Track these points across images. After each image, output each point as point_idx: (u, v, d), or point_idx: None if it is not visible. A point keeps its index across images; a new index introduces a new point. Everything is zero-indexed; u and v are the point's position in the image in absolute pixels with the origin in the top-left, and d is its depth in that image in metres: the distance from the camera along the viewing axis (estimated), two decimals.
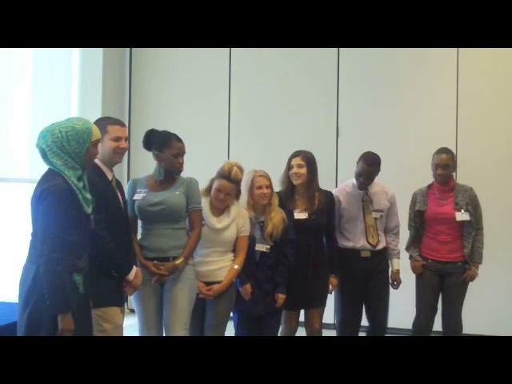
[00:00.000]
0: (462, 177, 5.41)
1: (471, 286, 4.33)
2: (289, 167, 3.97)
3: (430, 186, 4.23)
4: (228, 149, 6.05)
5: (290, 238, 3.82)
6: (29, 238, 2.83)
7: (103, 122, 3.17)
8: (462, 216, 4.07)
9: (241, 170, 3.68)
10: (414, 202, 4.23)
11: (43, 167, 2.85)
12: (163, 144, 3.47)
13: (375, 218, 4.06)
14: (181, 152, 3.48)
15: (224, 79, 6.11)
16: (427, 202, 4.16)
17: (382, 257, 4.13)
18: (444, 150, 4.14)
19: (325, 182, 4.22)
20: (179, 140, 3.51)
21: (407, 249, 4.26)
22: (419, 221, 4.20)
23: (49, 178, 2.76)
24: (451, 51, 5.46)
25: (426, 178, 4.35)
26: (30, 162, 5.35)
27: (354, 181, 4.13)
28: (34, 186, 2.85)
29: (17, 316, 2.86)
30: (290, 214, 3.89)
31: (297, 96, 5.91)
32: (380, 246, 4.09)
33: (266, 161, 4.63)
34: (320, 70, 5.85)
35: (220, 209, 3.67)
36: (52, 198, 2.66)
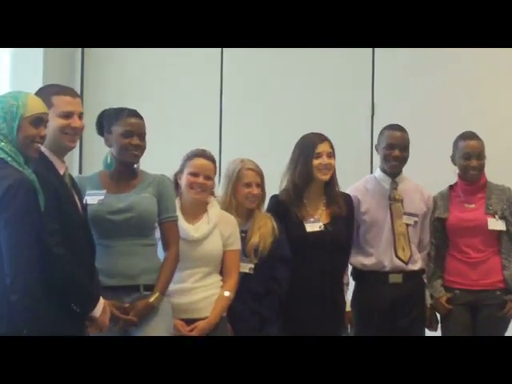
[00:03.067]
0: None
1: None
2: (312, 156, 2.90)
3: (452, 187, 3.22)
4: (219, 150, 5.95)
5: (282, 254, 2.86)
6: None
7: (46, 92, 2.32)
8: (495, 224, 3.07)
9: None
10: (432, 209, 3.18)
11: None
12: (112, 121, 2.60)
13: (407, 225, 3.06)
14: (135, 130, 2.58)
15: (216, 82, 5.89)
16: (449, 206, 3.13)
17: (419, 283, 3.12)
18: (473, 135, 3.14)
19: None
20: (134, 115, 2.62)
21: (429, 282, 3.17)
22: (440, 235, 3.16)
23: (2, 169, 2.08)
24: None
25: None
26: None
27: (376, 174, 3.18)
28: None
29: None
30: (299, 225, 2.96)
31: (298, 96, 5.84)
32: (415, 266, 3.08)
33: (266, 160, 4.60)
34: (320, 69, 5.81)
35: (195, 212, 2.75)
36: (22, 195, 2.03)
